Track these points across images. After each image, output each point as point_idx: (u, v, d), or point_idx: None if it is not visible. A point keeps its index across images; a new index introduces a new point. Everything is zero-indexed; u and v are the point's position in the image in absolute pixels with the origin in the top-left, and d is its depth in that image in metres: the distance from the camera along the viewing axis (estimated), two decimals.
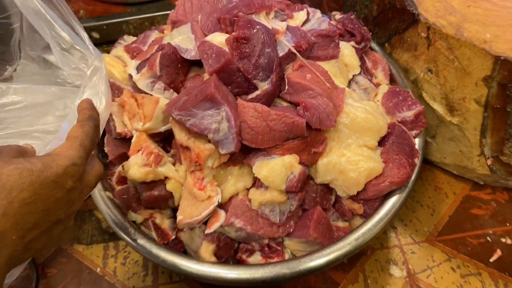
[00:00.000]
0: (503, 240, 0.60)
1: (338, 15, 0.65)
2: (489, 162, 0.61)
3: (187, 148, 0.48)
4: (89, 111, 0.42)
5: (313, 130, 0.48)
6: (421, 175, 0.67)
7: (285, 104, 0.51)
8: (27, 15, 0.56)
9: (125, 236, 0.49)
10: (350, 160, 0.48)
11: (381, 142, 0.52)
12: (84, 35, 0.53)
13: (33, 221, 0.33)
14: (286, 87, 0.49)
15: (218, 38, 0.50)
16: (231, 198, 0.50)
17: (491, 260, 0.58)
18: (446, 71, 0.58)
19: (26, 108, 0.56)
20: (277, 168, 0.47)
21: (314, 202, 0.51)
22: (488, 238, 0.60)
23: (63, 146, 0.37)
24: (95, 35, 0.78)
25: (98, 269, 0.58)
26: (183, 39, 0.55)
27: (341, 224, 0.52)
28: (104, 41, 0.79)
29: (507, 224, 0.62)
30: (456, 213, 0.63)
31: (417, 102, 0.55)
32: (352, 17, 0.62)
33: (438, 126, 0.63)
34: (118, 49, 0.63)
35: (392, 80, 0.62)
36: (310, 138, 0.48)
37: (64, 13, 0.55)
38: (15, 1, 0.54)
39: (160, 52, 0.53)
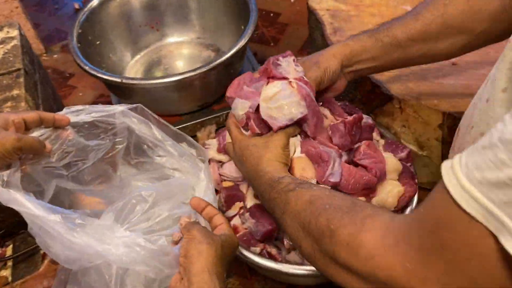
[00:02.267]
0: None
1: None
2: None
3: None
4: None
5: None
6: None
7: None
8: (144, 137, 0.83)
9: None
10: (387, 191, 0.80)
11: None
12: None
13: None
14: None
15: None
16: None
17: None
18: (414, 124, 0.95)
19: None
20: None
21: None
22: None
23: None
24: None
25: None
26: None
27: None
28: None
29: None
30: None
31: (405, 146, 0.90)
32: (347, 103, 0.98)
33: (414, 159, 0.99)
34: (210, 152, 0.91)
35: (381, 136, 0.98)
36: (372, 189, 0.79)
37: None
38: (133, 127, 0.82)
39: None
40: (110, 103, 1.33)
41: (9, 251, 1.03)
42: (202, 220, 0.65)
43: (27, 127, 0.68)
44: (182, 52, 1.27)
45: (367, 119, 0.86)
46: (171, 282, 0.56)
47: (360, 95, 1.03)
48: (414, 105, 0.92)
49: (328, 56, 0.77)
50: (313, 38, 1.23)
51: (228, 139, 0.80)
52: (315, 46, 1.21)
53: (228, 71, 1.06)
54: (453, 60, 1.00)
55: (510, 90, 0.49)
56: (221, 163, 0.89)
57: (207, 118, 1.08)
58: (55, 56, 1.52)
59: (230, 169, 0.86)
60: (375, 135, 0.95)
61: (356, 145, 0.82)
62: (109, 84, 1.01)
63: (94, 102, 1.34)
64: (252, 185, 0.77)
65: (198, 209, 0.66)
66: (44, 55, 1.52)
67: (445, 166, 0.39)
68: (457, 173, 0.37)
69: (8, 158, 0.63)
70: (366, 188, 0.78)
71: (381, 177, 0.79)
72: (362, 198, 0.78)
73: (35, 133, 0.68)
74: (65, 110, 0.73)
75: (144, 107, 0.79)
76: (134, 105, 0.78)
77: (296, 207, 0.56)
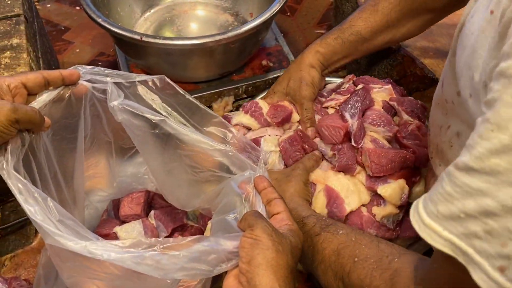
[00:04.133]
0: None
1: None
2: None
3: None
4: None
5: (415, 167, 0.73)
6: None
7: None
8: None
9: None
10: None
11: None
12: None
13: None
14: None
15: None
16: (355, 212, 0.72)
17: None
18: None
19: None
20: (397, 189, 0.71)
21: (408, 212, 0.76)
22: None
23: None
24: None
25: None
26: None
27: None
28: None
29: None
30: None
31: None
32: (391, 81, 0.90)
33: None
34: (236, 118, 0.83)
35: None
36: (413, 171, 0.73)
37: None
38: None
39: None
40: (112, 62, 1.21)
41: None
42: (258, 201, 0.55)
43: (30, 91, 0.56)
44: (197, 14, 1.15)
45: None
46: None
47: (398, 76, 0.95)
48: None
49: (308, 70, 0.81)
50: (341, 10, 1.13)
51: None
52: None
53: (253, 40, 0.96)
54: None
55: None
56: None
57: (226, 88, 0.98)
58: (48, 5, 1.36)
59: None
60: None
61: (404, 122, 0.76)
62: (121, 41, 0.89)
63: (93, 60, 1.21)
64: None
65: (259, 187, 0.56)
66: (36, 3, 1.35)
67: (413, 204, 0.39)
68: (419, 209, 0.37)
69: (5, 134, 0.51)
70: (405, 167, 0.72)
71: (422, 160, 0.73)
72: (402, 182, 0.71)
73: (44, 96, 0.57)
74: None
75: (169, 80, 0.66)
76: (158, 76, 0.66)
77: (325, 257, 0.57)
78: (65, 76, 0.59)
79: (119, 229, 0.76)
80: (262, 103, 0.83)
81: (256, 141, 0.79)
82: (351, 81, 0.85)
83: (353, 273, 0.52)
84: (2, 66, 0.79)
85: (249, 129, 0.83)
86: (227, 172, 0.65)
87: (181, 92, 0.65)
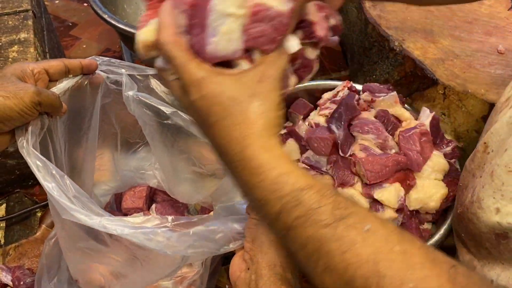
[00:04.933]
0: None
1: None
2: None
3: None
4: None
5: (408, 170, 0.74)
6: None
7: None
8: None
9: None
10: (430, 194, 0.74)
11: None
12: None
13: None
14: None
15: None
16: None
17: None
18: (455, 113, 0.89)
19: None
20: (392, 192, 0.72)
21: (408, 216, 0.76)
22: None
23: None
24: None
25: None
26: None
27: (424, 227, 0.78)
28: None
29: None
30: None
31: (451, 140, 0.83)
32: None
33: None
34: None
35: None
36: (407, 173, 0.74)
37: None
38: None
39: None
40: (117, 58, 1.22)
41: (1, 211, 0.94)
42: None
43: (51, 78, 0.59)
44: None
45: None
46: (233, 268, 0.47)
47: (398, 76, 0.96)
48: (460, 93, 0.86)
49: None
50: (344, 10, 1.15)
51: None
52: (347, 20, 1.13)
53: None
54: (500, 48, 0.94)
55: None
56: None
57: None
58: (56, 1, 1.39)
59: None
60: None
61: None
62: (127, 37, 0.91)
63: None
64: (237, 183, 0.43)
65: None
66: None
67: None
68: None
69: (28, 115, 0.53)
70: (399, 170, 0.73)
71: (416, 164, 0.74)
72: (398, 185, 0.72)
73: (64, 83, 0.59)
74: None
75: None
76: None
77: (347, 267, 0.36)
78: (84, 65, 0.62)
79: None
80: None
81: None
82: (346, 88, 0.86)
83: None
84: (10, 60, 0.81)
85: None
86: None
87: None
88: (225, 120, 0.40)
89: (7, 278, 0.79)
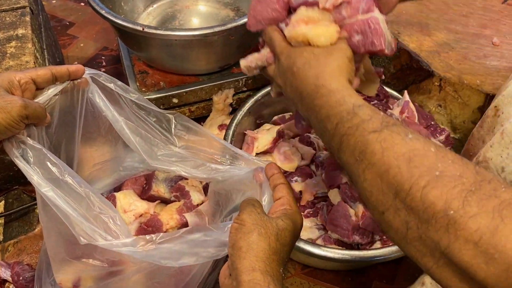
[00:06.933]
0: None
1: None
2: None
3: None
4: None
5: None
6: None
7: None
8: None
9: None
10: None
11: None
12: None
13: None
14: None
15: None
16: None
17: None
18: (452, 105, 0.90)
19: None
20: None
21: None
22: None
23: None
24: (175, 100, 0.98)
25: None
26: None
27: None
28: (182, 104, 0.99)
29: None
30: None
31: (444, 129, 0.85)
32: None
33: None
34: None
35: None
36: None
37: None
38: None
39: None
40: (114, 56, 1.23)
41: (0, 208, 0.93)
42: (266, 187, 0.56)
43: (38, 86, 0.59)
44: (198, 9, 1.17)
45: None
46: (220, 274, 0.47)
47: (395, 69, 0.97)
48: (456, 84, 0.87)
49: None
50: None
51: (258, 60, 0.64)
52: None
53: (252, 33, 0.97)
54: (494, 40, 0.95)
55: None
56: None
57: (226, 81, 1.00)
58: (53, 1, 1.39)
59: None
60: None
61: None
62: (123, 33, 0.91)
63: (97, 54, 1.23)
64: (304, 108, 0.54)
65: (269, 173, 0.56)
66: None
67: None
68: None
69: (15, 128, 0.54)
70: None
71: None
72: None
73: (51, 91, 0.60)
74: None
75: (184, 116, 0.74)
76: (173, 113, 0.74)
77: (385, 160, 0.41)
78: (71, 71, 0.62)
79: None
80: None
81: None
82: None
83: (433, 190, 0.38)
84: (8, 55, 0.81)
85: None
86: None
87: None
88: (304, 65, 0.53)
89: (6, 274, 0.79)
